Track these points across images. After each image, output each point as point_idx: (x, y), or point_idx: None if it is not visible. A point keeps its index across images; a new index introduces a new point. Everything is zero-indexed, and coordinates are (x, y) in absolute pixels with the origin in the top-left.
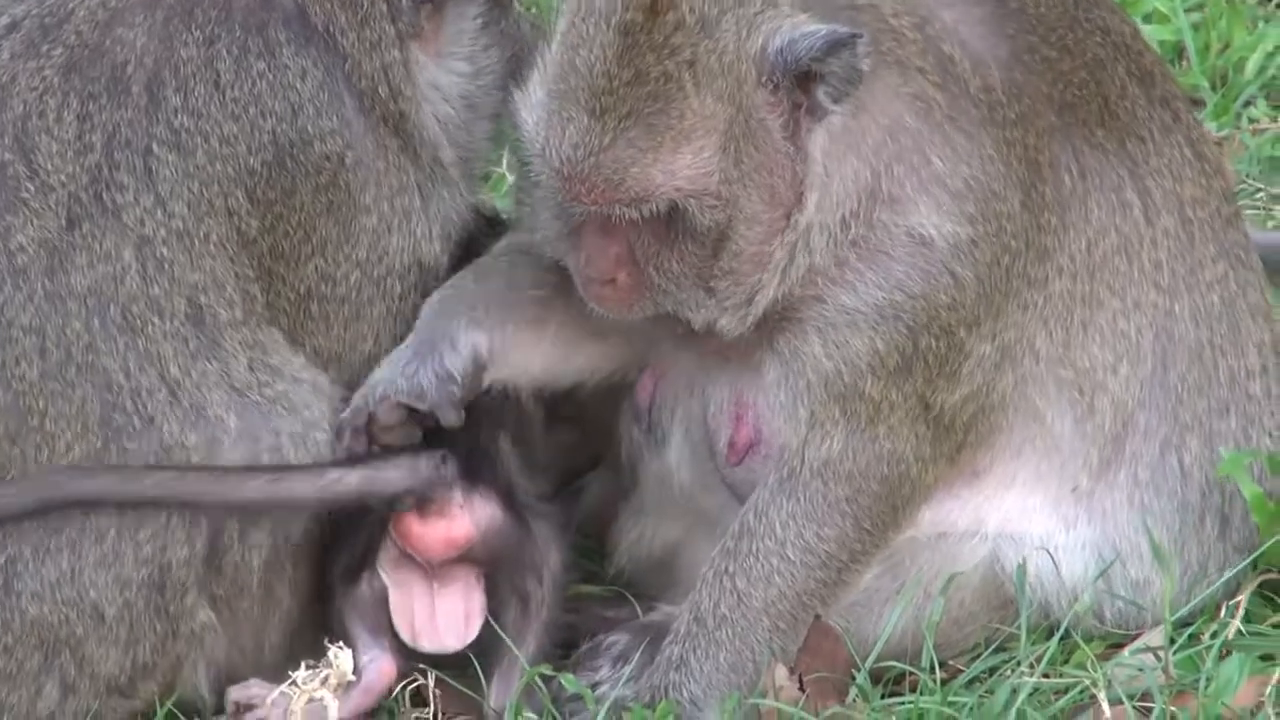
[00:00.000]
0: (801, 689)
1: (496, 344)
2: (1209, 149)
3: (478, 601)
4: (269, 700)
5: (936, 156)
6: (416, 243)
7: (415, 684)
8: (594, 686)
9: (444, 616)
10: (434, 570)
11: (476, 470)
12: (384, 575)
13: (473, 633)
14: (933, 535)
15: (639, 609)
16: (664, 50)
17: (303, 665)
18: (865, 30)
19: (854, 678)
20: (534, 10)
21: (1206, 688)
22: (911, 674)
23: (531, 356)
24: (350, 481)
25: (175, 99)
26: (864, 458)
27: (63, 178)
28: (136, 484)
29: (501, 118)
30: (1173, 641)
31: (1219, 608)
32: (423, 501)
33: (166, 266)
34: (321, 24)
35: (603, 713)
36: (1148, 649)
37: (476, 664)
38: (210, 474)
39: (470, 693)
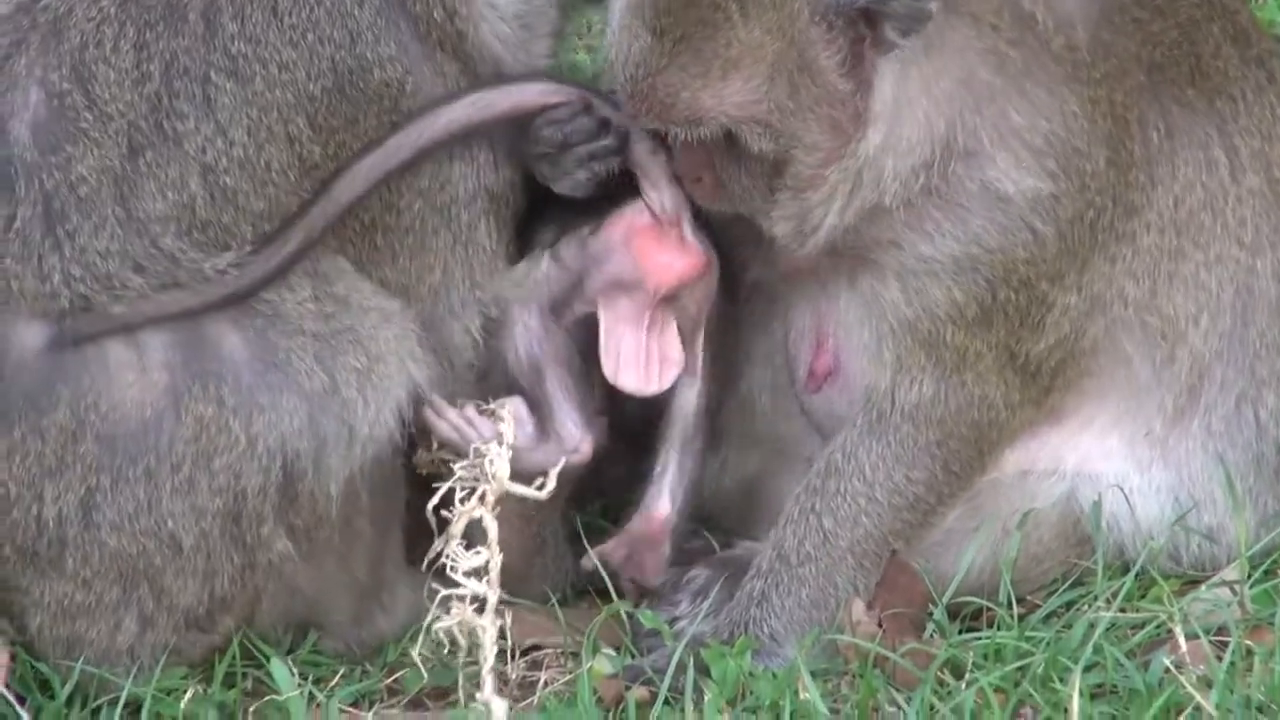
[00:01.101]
0: (879, 624)
1: None
2: None
3: (678, 352)
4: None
5: (1015, 110)
6: (480, 168)
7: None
8: (672, 622)
9: (652, 354)
10: (650, 305)
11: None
12: (599, 303)
13: (669, 380)
14: (1014, 474)
15: (715, 544)
16: None
17: (470, 406)
18: None
19: (931, 613)
20: None
21: None
22: (989, 609)
23: None
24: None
25: (232, 25)
26: (954, 402)
27: (121, 106)
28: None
29: (559, 35)
30: (1249, 577)
31: None
32: (658, 224)
33: (231, 195)
34: None
35: (680, 648)
36: (1224, 583)
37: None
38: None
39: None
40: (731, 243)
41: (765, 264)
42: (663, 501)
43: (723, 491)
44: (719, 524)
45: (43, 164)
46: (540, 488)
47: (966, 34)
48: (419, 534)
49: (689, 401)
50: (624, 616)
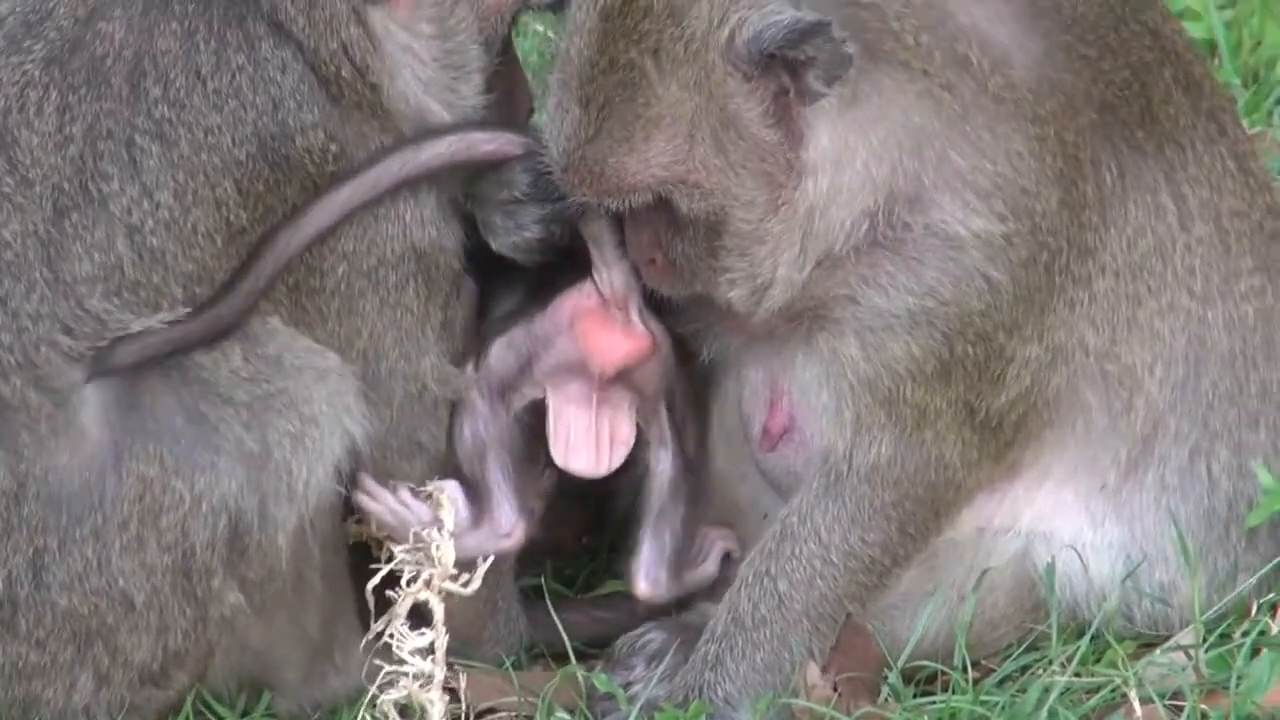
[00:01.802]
0: (834, 689)
1: None
2: (1257, 165)
3: (628, 430)
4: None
5: (955, 153)
6: (407, 228)
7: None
8: (627, 686)
9: (601, 435)
10: (597, 386)
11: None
12: (546, 386)
13: (619, 460)
14: (969, 531)
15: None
16: (632, 36)
17: (404, 489)
18: (866, 30)
19: (886, 677)
20: None
21: (1238, 686)
22: (944, 673)
23: None
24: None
25: (156, 90)
26: (912, 463)
27: (44, 170)
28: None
29: (486, 72)
30: (1204, 641)
31: (1250, 607)
32: (604, 306)
33: (158, 256)
34: (267, 10)
35: (635, 712)
36: (1179, 648)
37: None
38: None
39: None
40: (691, 316)
41: (723, 331)
42: (641, 583)
43: None
44: None
45: None
46: (466, 584)
47: (897, 79)
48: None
49: (663, 472)
50: (579, 679)
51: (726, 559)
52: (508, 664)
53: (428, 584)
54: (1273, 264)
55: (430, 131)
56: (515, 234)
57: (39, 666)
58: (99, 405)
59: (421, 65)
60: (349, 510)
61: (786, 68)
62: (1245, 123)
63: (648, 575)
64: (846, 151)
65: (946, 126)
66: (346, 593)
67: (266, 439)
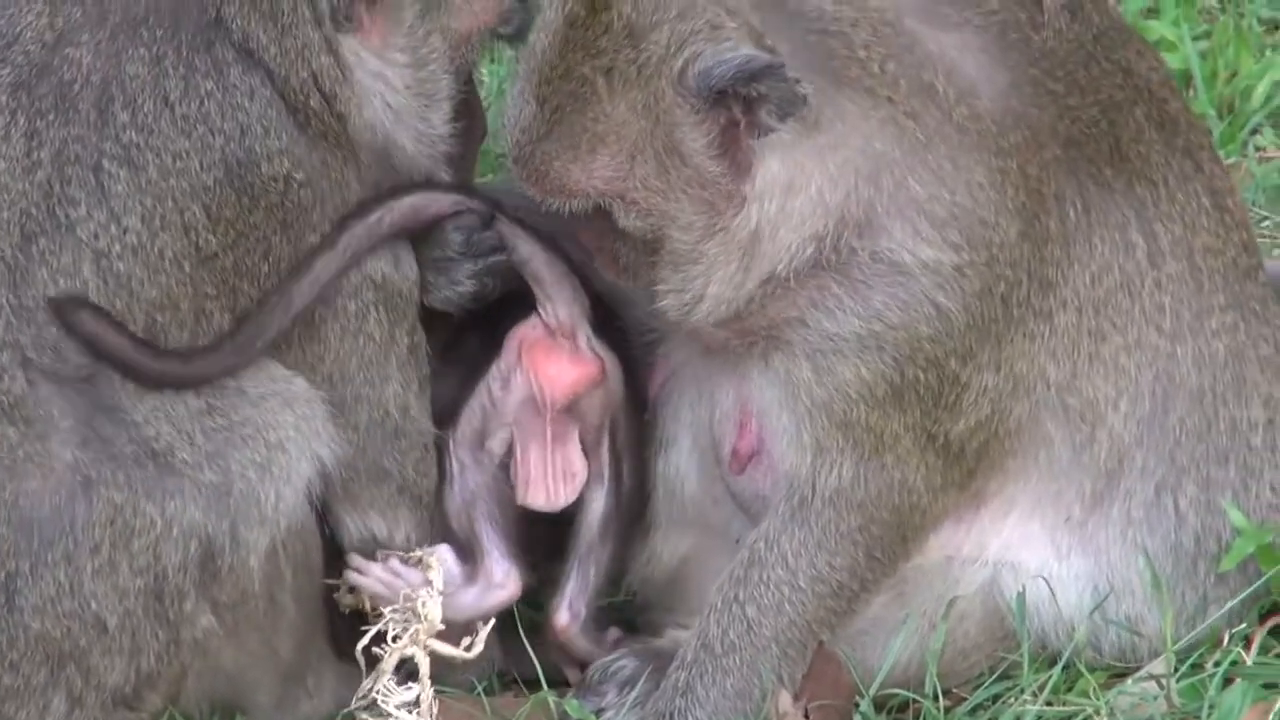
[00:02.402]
0: (806, 716)
1: None
2: (1234, 201)
3: (581, 465)
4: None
5: (915, 181)
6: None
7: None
8: (599, 712)
9: (555, 469)
10: (550, 418)
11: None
12: (510, 424)
13: (573, 494)
14: (938, 560)
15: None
16: (590, 51)
17: (394, 558)
18: (832, 57)
19: (858, 705)
20: None
21: (1210, 716)
22: (915, 702)
23: None
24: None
25: (124, 115)
26: (874, 486)
27: (12, 195)
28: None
29: (455, 100)
30: (1175, 670)
31: (1222, 638)
32: (551, 335)
33: (125, 281)
34: (239, 39)
35: None
36: (1151, 677)
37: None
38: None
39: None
40: (652, 325)
41: (685, 343)
42: (561, 613)
43: (654, 576)
44: (649, 610)
45: None
46: (469, 648)
47: (861, 105)
48: (342, 624)
49: (596, 508)
50: (551, 706)
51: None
52: (479, 689)
53: (414, 639)
54: (1245, 301)
55: (370, 200)
56: (448, 289)
57: (12, 689)
58: (66, 432)
59: (393, 93)
60: (332, 564)
61: (739, 102)
62: (1221, 153)
63: (570, 608)
64: (801, 176)
65: (907, 154)
66: (319, 616)
67: (230, 472)
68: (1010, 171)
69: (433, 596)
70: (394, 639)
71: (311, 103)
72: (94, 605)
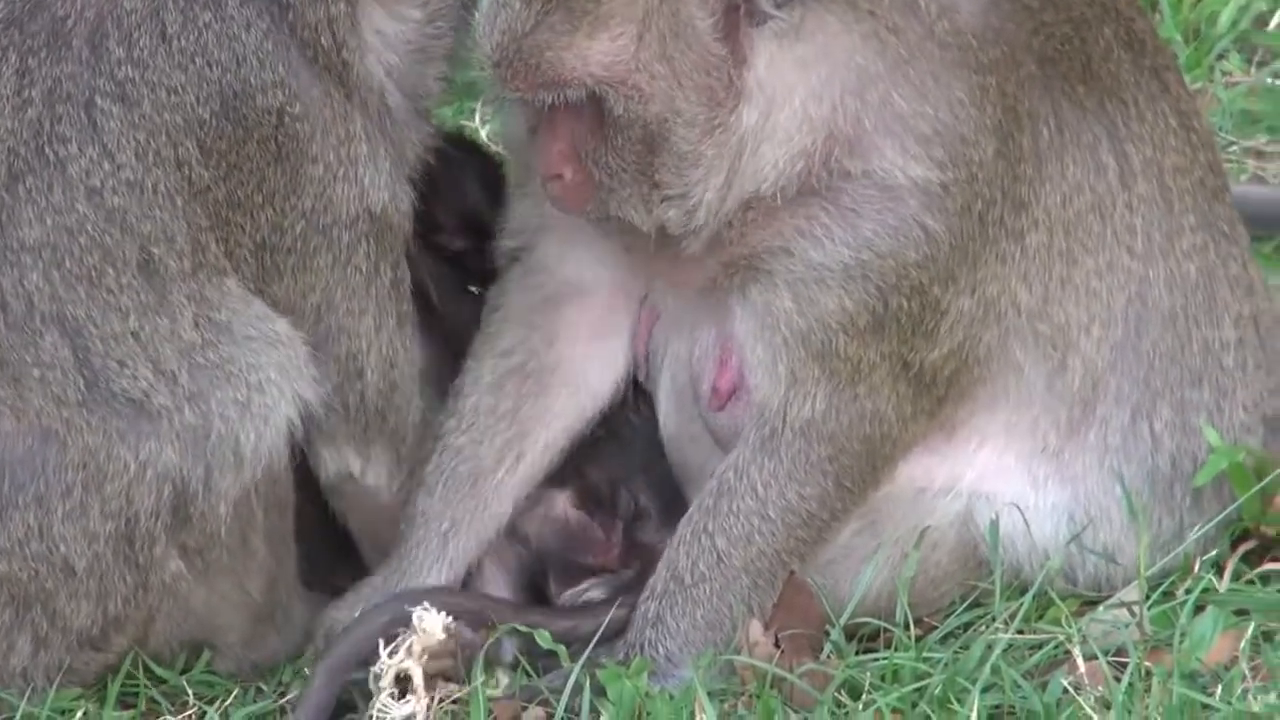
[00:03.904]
0: (776, 645)
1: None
2: (1199, 123)
3: None
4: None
5: (899, 96)
6: (364, 190)
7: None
8: (568, 643)
9: None
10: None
11: None
12: None
13: None
14: (910, 491)
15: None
16: None
17: (381, 643)
18: None
19: (828, 634)
20: None
21: (1181, 643)
22: (886, 630)
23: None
24: None
25: (119, 50)
26: (846, 417)
27: (1, 133)
28: None
29: (454, 59)
30: (1147, 598)
31: (1193, 565)
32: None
33: (118, 216)
34: None
35: (576, 669)
36: (1122, 605)
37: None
38: None
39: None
40: (632, 264)
41: (674, 289)
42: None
43: None
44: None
45: None
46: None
47: (843, 19)
48: (317, 555)
49: None
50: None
51: None
52: (449, 620)
53: (410, 651)
54: (1214, 221)
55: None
56: None
57: None
58: (43, 374)
59: (389, 50)
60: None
61: None
62: (1187, 78)
63: None
64: (783, 89)
65: (890, 69)
66: (290, 555)
67: (209, 410)
68: (989, 88)
69: (430, 611)
70: (390, 653)
71: (322, 40)
72: (63, 548)
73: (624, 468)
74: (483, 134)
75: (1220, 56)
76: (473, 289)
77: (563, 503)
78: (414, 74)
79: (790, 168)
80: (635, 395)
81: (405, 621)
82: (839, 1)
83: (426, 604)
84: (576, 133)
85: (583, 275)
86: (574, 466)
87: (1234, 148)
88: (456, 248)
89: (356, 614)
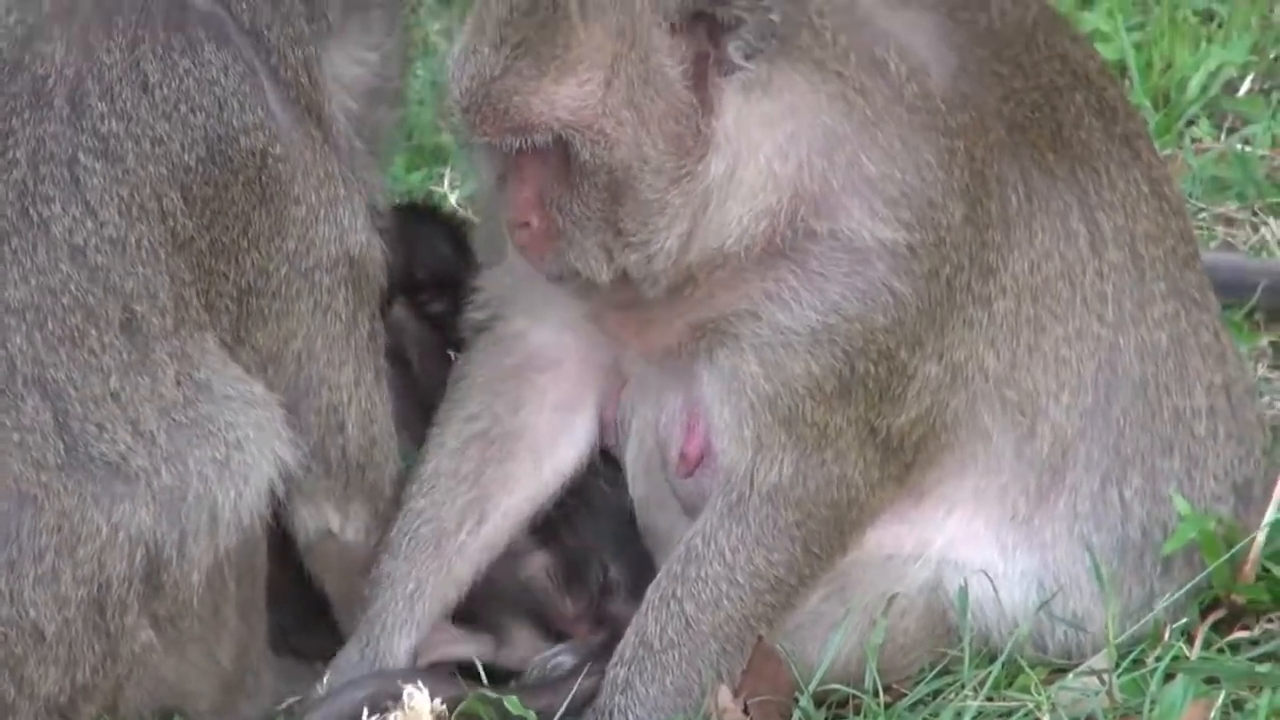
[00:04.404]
0: (745, 712)
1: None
2: (1171, 190)
3: None
4: None
5: (867, 158)
6: (343, 232)
7: None
8: (539, 712)
9: None
10: None
11: None
12: None
13: None
14: (879, 558)
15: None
16: None
17: (365, 712)
18: (787, 22)
19: (798, 700)
20: None
21: (1151, 711)
22: (855, 697)
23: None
24: None
25: (101, 105)
26: (813, 482)
27: None
28: None
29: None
30: (1117, 665)
31: (1163, 632)
32: None
33: (101, 275)
34: (248, 20)
35: None
36: (1092, 672)
37: None
38: None
39: None
40: (599, 333)
41: (643, 357)
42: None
43: None
44: None
45: None
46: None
47: (810, 78)
48: (285, 617)
49: None
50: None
51: None
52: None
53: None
54: (1185, 289)
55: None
56: None
57: None
58: (21, 438)
59: (345, 94)
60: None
61: (710, 32)
62: (1157, 144)
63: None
64: (749, 145)
65: (858, 130)
66: (261, 622)
67: (187, 470)
68: (958, 152)
69: (421, 691)
70: None
71: (302, 80)
72: (33, 613)
73: (596, 537)
74: (452, 199)
75: (1190, 123)
76: (451, 354)
77: (534, 566)
78: (370, 117)
79: (755, 225)
80: (605, 464)
81: (383, 699)
82: (806, 60)
83: (419, 683)
84: (543, 180)
85: (549, 345)
86: (549, 533)
87: (1203, 214)
88: (436, 310)
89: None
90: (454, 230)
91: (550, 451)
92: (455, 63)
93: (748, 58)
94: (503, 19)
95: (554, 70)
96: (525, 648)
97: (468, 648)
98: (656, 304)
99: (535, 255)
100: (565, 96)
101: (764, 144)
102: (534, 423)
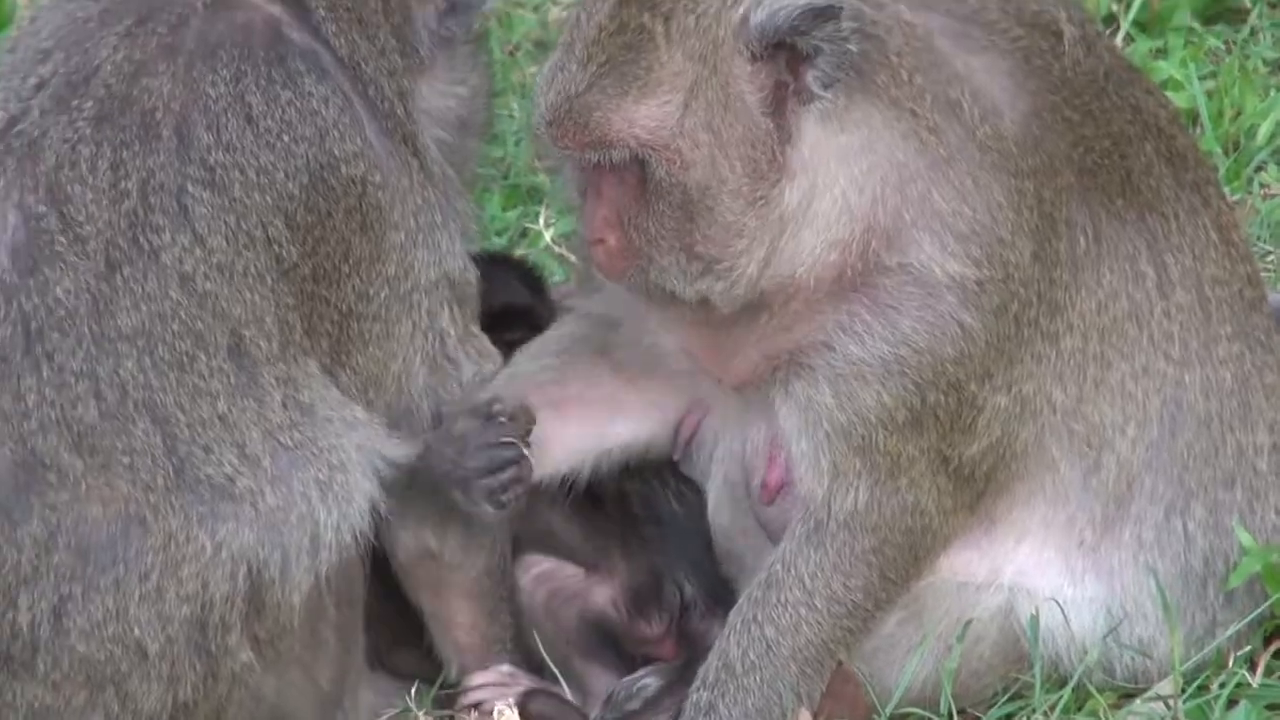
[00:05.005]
0: None
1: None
2: (1239, 236)
3: None
4: None
5: (938, 194)
6: (442, 256)
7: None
8: None
9: None
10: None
11: None
12: None
13: None
14: (953, 585)
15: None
16: (647, 3)
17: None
18: (865, 60)
19: None
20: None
21: None
22: None
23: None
24: None
25: (207, 136)
26: (888, 509)
27: (100, 225)
28: None
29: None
30: (1182, 691)
31: (1227, 660)
32: None
33: (209, 301)
34: (345, 54)
35: None
36: (1159, 698)
37: None
38: None
39: None
40: (687, 364)
41: (725, 391)
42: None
43: None
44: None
45: (21, 286)
46: None
47: (885, 116)
48: (381, 636)
49: None
50: None
51: None
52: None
53: None
54: (1251, 331)
55: None
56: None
57: (53, 708)
58: (131, 461)
59: (437, 127)
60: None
61: (790, 62)
62: (1226, 190)
63: None
64: (826, 177)
65: (929, 168)
66: (358, 644)
67: (291, 490)
68: (1027, 193)
69: (511, 709)
70: None
71: (396, 111)
72: (137, 631)
73: (666, 554)
74: (547, 236)
75: (1259, 168)
76: None
77: (600, 602)
78: (460, 147)
79: (827, 255)
80: (676, 480)
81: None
82: (883, 98)
83: (511, 700)
84: (621, 199)
85: (641, 358)
86: (615, 558)
87: (1270, 257)
88: (513, 338)
89: None
90: (528, 272)
91: (624, 413)
92: (543, 79)
93: (826, 87)
94: (591, 39)
95: (636, 90)
96: (603, 689)
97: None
98: (736, 332)
99: (613, 271)
100: (644, 116)
101: (839, 176)
102: (614, 388)
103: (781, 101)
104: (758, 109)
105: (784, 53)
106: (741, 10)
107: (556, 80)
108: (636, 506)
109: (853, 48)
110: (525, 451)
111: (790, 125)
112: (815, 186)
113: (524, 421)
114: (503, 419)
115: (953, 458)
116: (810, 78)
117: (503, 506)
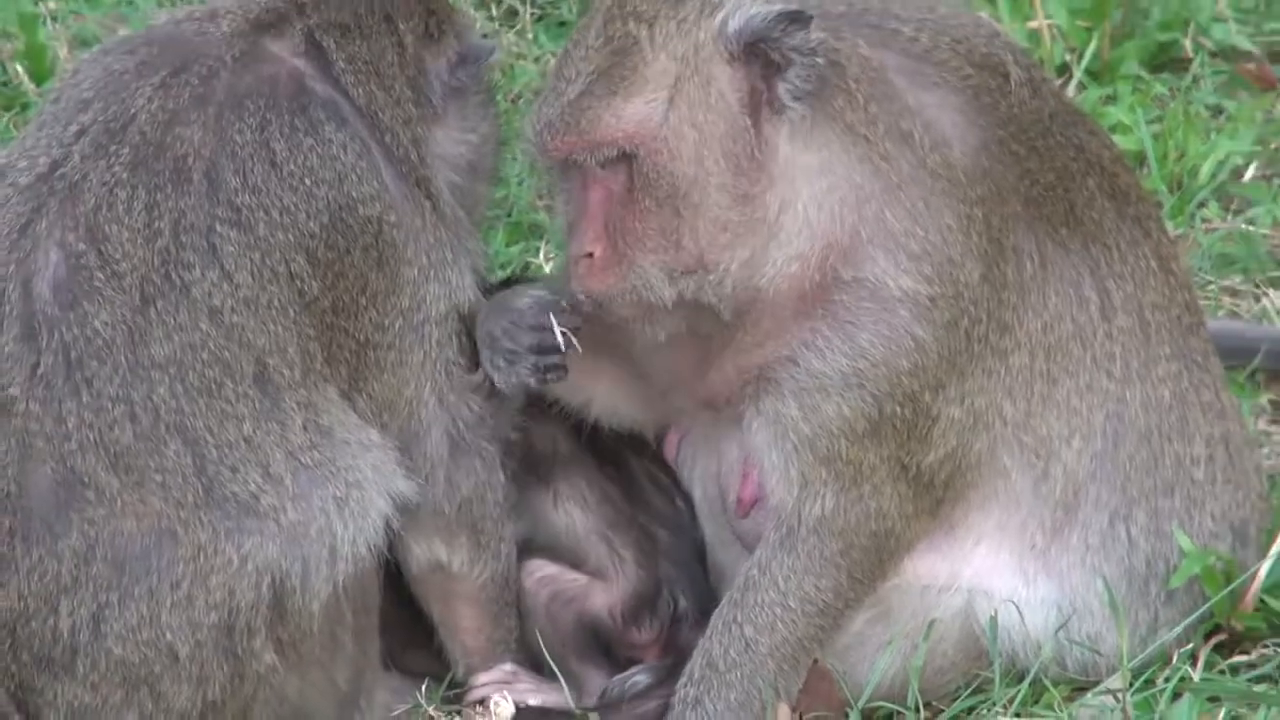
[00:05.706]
0: None
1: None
2: (1178, 266)
3: None
4: None
5: (892, 215)
6: (451, 290)
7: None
8: None
9: None
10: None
11: None
12: None
13: None
14: (917, 587)
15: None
16: (632, 15)
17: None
18: (826, 83)
19: (848, 716)
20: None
21: None
22: (899, 713)
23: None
24: None
25: (234, 180)
26: (853, 515)
27: (135, 262)
28: None
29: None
30: (1130, 685)
31: (1171, 656)
32: None
33: (237, 333)
34: (363, 104)
35: None
36: (1109, 692)
37: None
38: None
39: None
40: (662, 388)
41: (701, 412)
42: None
43: None
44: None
45: (62, 319)
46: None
47: (843, 140)
48: (394, 638)
49: None
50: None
51: None
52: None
53: None
54: (1189, 353)
55: None
56: (510, 376)
57: (91, 707)
58: (163, 480)
59: (450, 171)
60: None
61: (764, 70)
62: (1171, 224)
63: None
64: (791, 192)
65: (884, 191)
66: (374, 647)
67: (310, 507)
68: (976, 219)
69: (506, 700)
70: None
71: (411, 156)
72: (169, 636)
73: (673, 562)
74: (547, 270)
75: (1201, 205)
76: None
77: (597, 607)
78: (471, 191)
79: (787, 267)
80: (680, 495)
81: None
82: (839, 122)
83: (505, 693)
84: (609, 207)
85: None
86: (629, 561)
87: (1211, 286)
88: None
89: None
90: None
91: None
92: (537, 102)
93: (795, 99)
94: (581, 55)
95: (623, 89)
96: (597, 688)
97: (547, 696)
98: (713, 349)
99: (597, 286)
100: (631, 112)
101: (803, 191)
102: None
103: (757, 108)
104: (736, 108)
105: (758, 60)
106: (721, 15)
107: (550, 95)
108: (658, 500)
109: (820, 60)
110: (575, 341)
111: (765, 135)
112: (784, 199)
113: (576, 315)
114: (563, 305)
115: (911, 465)
116: (782, 89)
117: (542, 383)
